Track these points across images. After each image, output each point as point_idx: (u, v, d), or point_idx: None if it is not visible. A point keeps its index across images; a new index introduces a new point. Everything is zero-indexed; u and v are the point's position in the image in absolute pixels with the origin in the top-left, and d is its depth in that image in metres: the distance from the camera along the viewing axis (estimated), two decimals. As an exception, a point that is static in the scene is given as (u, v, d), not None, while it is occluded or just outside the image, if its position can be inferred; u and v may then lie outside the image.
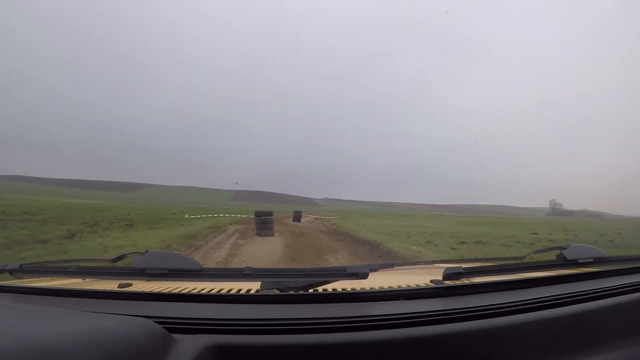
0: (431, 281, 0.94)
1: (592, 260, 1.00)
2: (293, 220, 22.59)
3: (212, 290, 0.95)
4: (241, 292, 0.92)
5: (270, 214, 12.55)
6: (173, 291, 0.92)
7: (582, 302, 0.81)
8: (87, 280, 1.09)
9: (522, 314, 0.74)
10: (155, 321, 0.60)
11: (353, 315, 0.69)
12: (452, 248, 9.62)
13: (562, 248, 1.04)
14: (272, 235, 11.83)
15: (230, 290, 0.95)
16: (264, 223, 12.09)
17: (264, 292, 0.85)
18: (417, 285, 0.93)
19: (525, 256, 1.26)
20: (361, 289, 0.91)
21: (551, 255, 1.09)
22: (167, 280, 0.99)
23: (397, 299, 0.80)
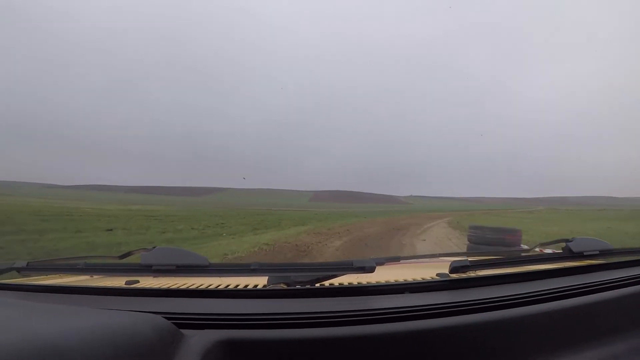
0: (437, 274, 0.94)
1: (597, 252, 1.00)
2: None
3: (219, 285, 0.95)
4: (248, 287, 0.92)
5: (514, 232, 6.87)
6: (181, 287, 0.93)
7: (587, 294, 0.80)
8: (94, 277, 1.10)
9: (528, 306, 0.74)
10: (163, 317, 0.59)
11: (360, 308, 0.69)
12: None
13: (567, 240, 1.02)
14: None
15: (238, 285, 0.95)
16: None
17: (271, 286, 0.85)
18: (424, 279, 0.92)
19: (531, 249, 1.22)
20: (368, 282, 0.91)
21: (557, 248, 1.09)
22: (174, 276, 0.99)
23: (404, 292, 0.80)
